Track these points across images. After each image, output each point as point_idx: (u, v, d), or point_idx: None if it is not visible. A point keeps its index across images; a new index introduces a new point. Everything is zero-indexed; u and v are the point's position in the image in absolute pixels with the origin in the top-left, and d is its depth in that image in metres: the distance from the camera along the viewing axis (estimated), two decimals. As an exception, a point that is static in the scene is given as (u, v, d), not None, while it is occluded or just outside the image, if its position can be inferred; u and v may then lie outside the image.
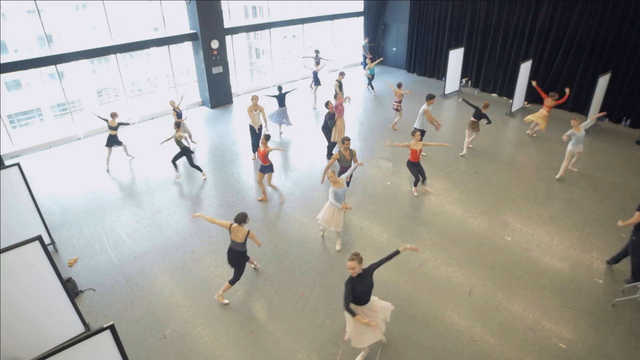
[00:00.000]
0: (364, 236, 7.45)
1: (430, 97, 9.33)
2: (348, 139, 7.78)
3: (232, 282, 5.94)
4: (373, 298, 4.86)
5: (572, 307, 5.85)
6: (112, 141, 9.78)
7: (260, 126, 10.00)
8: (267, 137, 8.16)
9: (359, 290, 4.51)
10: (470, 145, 10.51)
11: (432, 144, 8.34)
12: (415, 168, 8.37)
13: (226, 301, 6.04)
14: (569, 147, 8.70)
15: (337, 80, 11.88)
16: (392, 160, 10.16)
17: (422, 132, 9.66)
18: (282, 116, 11.28)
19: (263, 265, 6.77)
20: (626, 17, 11.25)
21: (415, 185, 8.63)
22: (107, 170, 9.91)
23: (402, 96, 11.54)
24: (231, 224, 5.73)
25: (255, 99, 9.78)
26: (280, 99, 11.08)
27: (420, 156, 10.19)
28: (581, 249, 6.97)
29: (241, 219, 5.67)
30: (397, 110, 11.69)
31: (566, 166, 8.90)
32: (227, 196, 8.80)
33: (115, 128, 9.69)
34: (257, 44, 31.17)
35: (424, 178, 8.49)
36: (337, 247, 7.09)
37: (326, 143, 10.30)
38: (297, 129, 12.14)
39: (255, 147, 10.28)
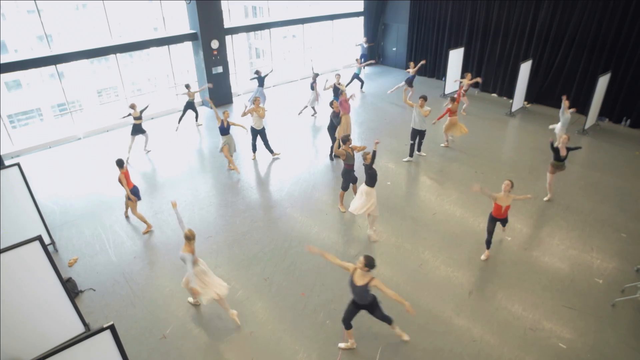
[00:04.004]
0: (364, 236, 7.45)
1: (424, 98, 9.43)
2: (349, 139, 7.80)
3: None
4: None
5: (572, 307, 5.85)
6: (137, 130, 10.41)
7: (263, 128, 10.00)
8: (120, 163, 7.28)
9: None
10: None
11: (520, 197, 6.59)
12: (494, 225, 6.60)
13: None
14: (557, 130, 9.70)
15: (334, 83, 11.73)
16: (392, 160, 10.16)
17: (424, 132, 9.78)
18: (261, 94, 12.92)
19: (263, 266, 6.77)
20: (626, 17, 11.24)
21: (488, 246, 6.78)
22: (127, 159, 9.56)
23: (469, 85, 12.27)
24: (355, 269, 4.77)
25: (257, 100, 9.84)
26: (260, 80, 12.85)
27: (422, 155, 10.24)
28: (581, 249, 6.97)
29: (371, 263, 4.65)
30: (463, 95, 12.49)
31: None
32: (227, 196, 8.80)
33: (139, 117, 10.28)
34: (257, 44, 31.15)
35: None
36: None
37: (330, 143, 10.27)
38: (296, 129, 12.15)
39: (254, 148, 10.31)
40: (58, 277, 5.04)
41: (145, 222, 7.68)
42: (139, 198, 7.66)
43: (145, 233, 7.65)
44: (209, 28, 13.04)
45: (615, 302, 5.84)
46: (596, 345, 5.28)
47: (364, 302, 4.89)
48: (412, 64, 13.65)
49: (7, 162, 9.43)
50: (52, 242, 7.23)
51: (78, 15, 26.65)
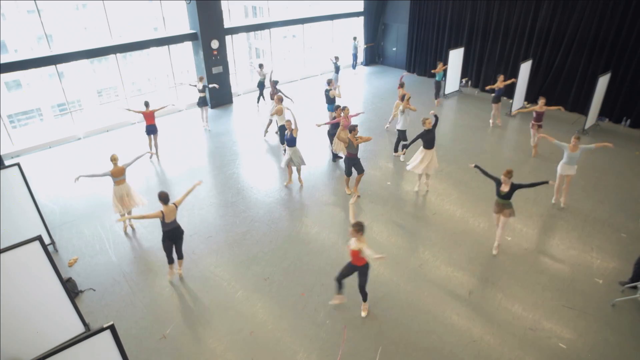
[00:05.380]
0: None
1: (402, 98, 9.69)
2: (356, 129, 7.96)
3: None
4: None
5: (572, 307, 5.85)
6: (201, 102, 11.92)
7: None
8: (146, 103, 9.85)
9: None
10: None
11: (377, 256, 5.00)
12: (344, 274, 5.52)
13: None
14: (558, 167, 7.70)
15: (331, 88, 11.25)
16: (392, 160, 10.16)
17: (404, 132, 9.93)
18: (335, 79, 14.28)
19: (263, 266, 6.77)
20: (626, 17, 11.25)
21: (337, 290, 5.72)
22: (205, 128, 12.23)
23: (536, 109, 9.69)
24: (162, 210, 5.92)
25: (278, 97, 10.17)
26: (337, 67, 14.60)
27: (395, 155, 10.01)
28: (581, 249, 6.97)
29: (165, 197, 5.93)
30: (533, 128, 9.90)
31: (558, 188, 7.93)
32: (227, 196, 8.80)
33: (203, 90, 11.75)
34: (257, 44, 31.15)
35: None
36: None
37: (330, 144, 10.24)
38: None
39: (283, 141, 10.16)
40: (58, 277, 5.04)
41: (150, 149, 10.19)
42: (147, 133, 10.10)
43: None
44: (209, 28, 13.04)
45: (615, 302, 5.84)
46: (596, 345, 5.27)
47: None
48: (501, 77, 11.54)
49: (7, 162, 9.42)
50: (52, 242, 7.23)
51: (78, 15, 26.64)
